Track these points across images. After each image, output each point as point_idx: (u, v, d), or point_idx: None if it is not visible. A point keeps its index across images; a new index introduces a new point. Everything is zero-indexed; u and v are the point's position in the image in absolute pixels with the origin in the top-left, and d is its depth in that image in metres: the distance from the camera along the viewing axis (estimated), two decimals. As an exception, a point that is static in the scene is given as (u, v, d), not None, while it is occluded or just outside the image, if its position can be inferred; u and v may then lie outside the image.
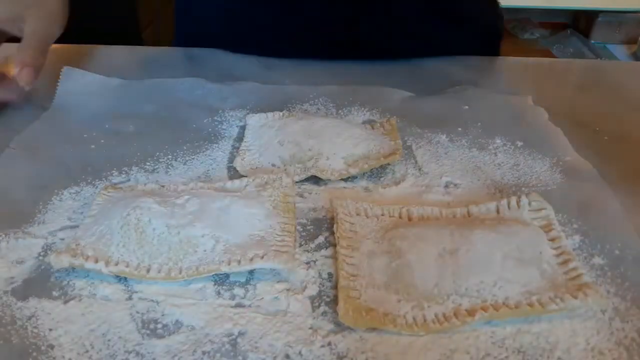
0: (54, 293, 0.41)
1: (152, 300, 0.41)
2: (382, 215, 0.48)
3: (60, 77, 0.67)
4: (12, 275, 0.43)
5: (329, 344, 0.38)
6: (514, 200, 0.48)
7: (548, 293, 0.40)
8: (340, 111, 0.65)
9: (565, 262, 0.42)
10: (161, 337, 0.38)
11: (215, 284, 0.42)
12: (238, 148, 0.58)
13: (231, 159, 0.57)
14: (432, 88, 0.71)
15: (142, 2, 1.72)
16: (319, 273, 0.44)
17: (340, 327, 0.39)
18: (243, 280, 0.43)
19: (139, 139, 0.59)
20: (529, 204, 0.47)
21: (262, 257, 0.42)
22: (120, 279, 0.42)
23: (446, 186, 0.54)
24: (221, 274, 0.43)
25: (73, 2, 0.64)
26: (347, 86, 0.70)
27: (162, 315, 0.40)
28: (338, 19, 0.76)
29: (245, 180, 0.51)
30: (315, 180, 0.54)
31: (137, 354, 0.37)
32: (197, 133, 0.61)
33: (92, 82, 0.68)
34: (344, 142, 0.55)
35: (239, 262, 0.42)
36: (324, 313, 0.40)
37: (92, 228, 0.45)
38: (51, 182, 0.52)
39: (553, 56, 1.96)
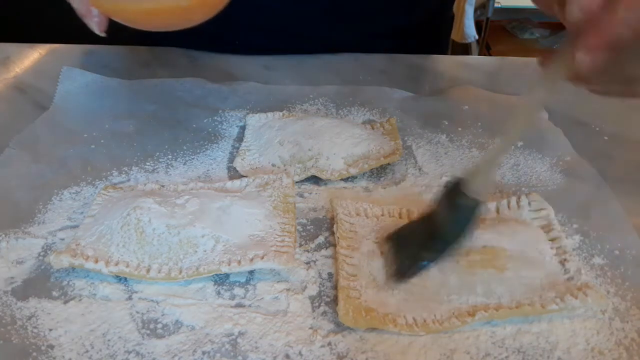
0: (54, 293, 0.41)
1: (152, 300, 0.41)
2: (382, 215, 0.48)
3: (60, 77, 0.67)
4: (12, 275, 0.43)
5: (329, 344, 0.38)
6: (514, 200, 0.48)
7: (548, 293, 0.40)
8: (340, 111, 0.65)
9: (565, 262, 0.42)
10: (161, 337, 0.38)
11: (215, 284, 0.42)
12: (238, 148, 0.58)
13: (231, 159, 0.57)
14: (432, 88, 0.71)
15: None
16: (319, 273, 0.44)
17: (340, 327, 0.39)
18: (243, 280, 0.43)
19: (139, 139, 0.59)
20: (529, 204, 0.47)
21: (262, 258, 0.42)
22: (120, 279, 0.42)
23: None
24: (221, 274, 0.43)
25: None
26: (347, 86, 0.70)
27: (162, 315, 0.40)
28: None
29: (245, 180, 0.51)
30: (315, 180, 0.54)
31: (137, 354, 0.37)
32: (197, 133, 0.61)
33: (92, 82, 0.68)
34: (344, 142, 0.55)
35: (239, 262, 0.42)
36: (324, 313, 0.40)
37: (92, 228, 0.45)
38: (51, 182, 0.52)
39: (553, 56, 1.96)
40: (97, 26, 0.50)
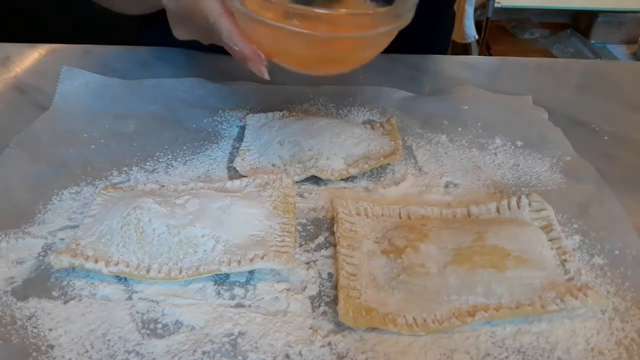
0: (54, 293, 0.41)
1: (152, 300, 0.41)
2: (382, 215, 0.48)
3: (60, 77, 0.67)
4: (12, 275, 0.43)
5: (329, 344, 0.38)
6: (514, 200, 0.48)
7: (548, 293, 0.40)
8: (340, 111, 0.65)
9: (565, 262, 0.42)
10: (161, 337, 0.38)
11: (215, 284, 0.42)
12: (238, 148, 0.58)
13: (231, 159, 0.57)
14: (432, 88, 0.71)
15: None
16: (319, 273, 0.44)
17: (340, 327, 0.39)
18: (243, 280, 0.43)
19: (139, 139, 0.59)
20: (529, 204, 0.47)
21: (262, 258, 0.42)
22: (120, 279, 0.42)
23: (446, 186, 0.54)
24: (221, 274, 0.43)
25: (74, 3, 0.63)
26: (347, 86, 0.70)
27: (162, 315, 0.40)
28: None
29: (245, 180, 0.51)
30: (315, 180, 0.54)
31: (137, 354, 0.37)
32: (197, 133, 0.61)
33: (92, 82, 0.68)
34: (344, 142, 0.55)
35: (239, 262, 0.42)
36: (324, 313, 0.40)
37: (92, 228, 0.45)
38: (51, 182, 0.52)
39: (553, 56, 1.96)
40: (265, 69, 0.48)
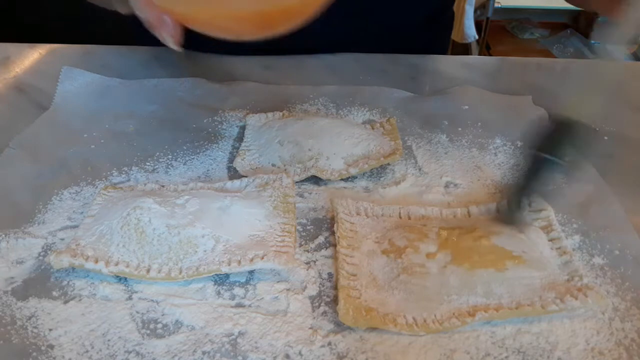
0: (54, 293, 0.41)
1: (152, 300, 0.41)
2: (382, 215, 0.48)
3: (60, 77, 0.67)
4: (12, 275, 0.43)
5: (329, 344, 0.38)
6: (514, 200, 0.48)
7: (548, 293, 0.40)
8: (340, 111, 0.65)
9: (565, 262, 0.42)
10: (161, 337, 0.38)
11: (215, 284, 0.42)
12: (238, 148, 0.58)
13: (231, 159, 0.57)
14: (432, 88, 0.71)
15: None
16: (319, 273, 0.44)
17: (340, 327, 0.39)
18: (243, 280, 0.43)
19: (139, 139, 0.59)
20: (529, 204, 0.47)
21: (262, 258, 0.42)
22: (120, 279, 0.42)
23: (446, 186, 0.54)
24: (221, 274, 0.43)
25: (74, 3, 0.63)
26: (347, 86, 0.70)
27: (162, 315, 0.40)
28: None
29: (245, 180, 0.51)
30: (315, 180, 0.54)
31: (137, 354, 0.37)
32: (197, 133, 0.61)
33: (92, 82, 0.68)
34: (344, 142, 0.55)
35: (239, 262, 0.42)
36: (324, 313, 0.40)
37: (92, 228, 0.45)
38: (51, 182, 0.52)
39: (553, 56, 1.96)
40: (171, 38, 0.42)
